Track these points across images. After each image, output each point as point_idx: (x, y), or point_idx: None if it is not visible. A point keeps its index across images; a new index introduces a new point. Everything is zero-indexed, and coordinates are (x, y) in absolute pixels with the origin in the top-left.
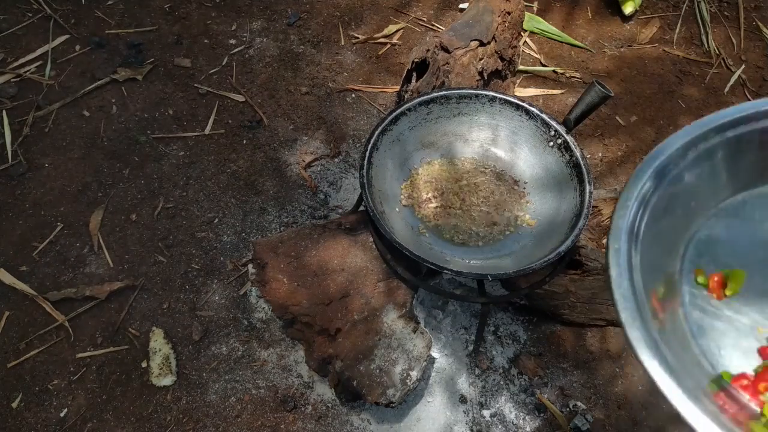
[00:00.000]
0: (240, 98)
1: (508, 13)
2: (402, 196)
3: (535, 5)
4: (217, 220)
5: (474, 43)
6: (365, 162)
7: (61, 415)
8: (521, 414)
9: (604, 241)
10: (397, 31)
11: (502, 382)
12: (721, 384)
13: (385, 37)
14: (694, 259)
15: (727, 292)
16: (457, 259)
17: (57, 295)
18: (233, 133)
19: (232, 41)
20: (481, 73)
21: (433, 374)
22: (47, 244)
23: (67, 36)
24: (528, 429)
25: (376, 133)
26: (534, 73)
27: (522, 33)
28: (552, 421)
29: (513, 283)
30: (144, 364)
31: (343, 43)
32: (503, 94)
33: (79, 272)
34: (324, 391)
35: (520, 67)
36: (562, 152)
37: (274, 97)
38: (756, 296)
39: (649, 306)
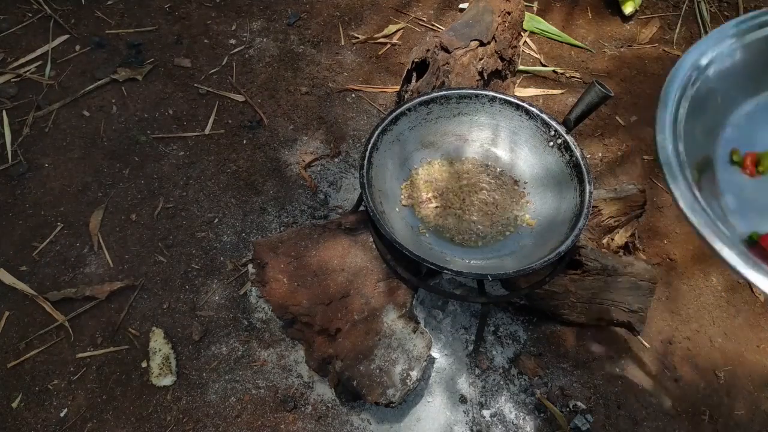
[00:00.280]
0: (240, 98)
1: (508, 13)
2: (402, 196)
3: (535, 5)
4: (217, 220)
5: (474, 43)
6: (365, 162)
7: (61, 415)
8: (521, 414)
9: (605, 241)
10: (397, 31)
11: (502, 382)
12: (751, 242)
13: (385, 37)
14: (731, 141)
15: (760, 169)
16: (457, 259)
17: (57, 295)
18: (233, 133)
19: (232, 41)
20: (481, 73)
21: (433, 374)
22: (47, 244)
23: (67, 36)
24: (528, 429)
25: (376, 133)
26: (534, 73)
27: (522, 33)
28: (552, 421)
29: (513, 283)
30: (144, 364)
31: (343, 43)
32: (503, 94)
33: (79, 272)
34: (324, 391)
35: (520, 67)
36: (562, 152)
37: (274, 97)
38: None
39: (690, 173)
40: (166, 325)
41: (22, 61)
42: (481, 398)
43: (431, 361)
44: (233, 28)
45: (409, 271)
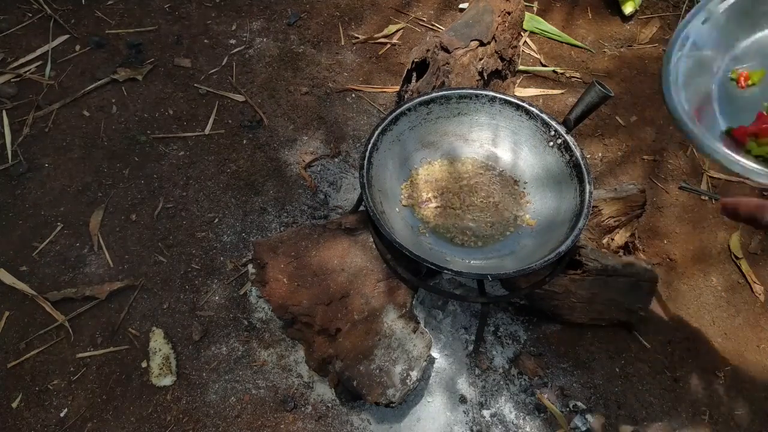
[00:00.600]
0: (240, 98)
1: (508, 13)
2: (402, 196)
3: (535, 5)
4: (217, 220)
5: (474, 43)
6: (365, 162)
7: (61, 415)
8: (521, 414)
9: (605, 241)
10: (397, 31)
11: (502, 382)
12: (727, 133)
13: (385, 37)
14: (732, 65)
15: (749, 82)
16: (457, 259)
17: (57, 295)
18: (233, 133)
19: (232, 41)
20: (481, 73)
21: (433, 374)
22: (47, 244)
23: (67, 36)
24: (528, 429)
25: (376, 133)
26: (534, 73)
27: (522, 33)
28: (552, 421)
29: (513, 283)
30: (144, 364)
31: (343, 43)
32: (503, 94)
33: (79, 272)
34: (324, 391)
35: (520, 67)
36: (562, 152)
37: (274, 97)
38: None
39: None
40: (166, 325)
41: (22, 61)
42: (481, 398)
43: (431, 361)
44: (233, 28)
45: (409, 271)
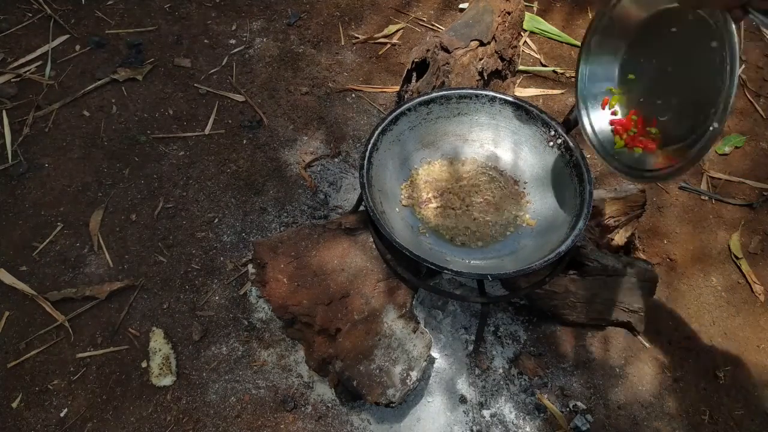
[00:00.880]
0: (240, 98)
1: (508, 13)
2: (402, 196)
3: (535, 5)
4: (217, 220)
5: (474, 43)
6: (365, 162)
7: (61, 415)
8: (521, 414)
9: (605, 241)
10: (397, 31)
11: (502, 383)
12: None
13: (385, 37)
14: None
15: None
16: (457, 259)
17: (57, 295)
18: (233, 133)
19: (232, 41)
20: (481, 73)
21: (433, 374)
22: (47, 244)
23: (67, 36)
24: (528, 429)
25: (376, 133)
26: (534, 73)
27: (522, 33)
28: (552, 421)
29: (513, 283)
30: (144, 364)
31: (343, 43)
32: (503, 94)
33: (79, 272)
34: (324, 391)
35: (520, 67)
36: (562, 152)
37: (274, 97)
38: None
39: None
40: (166, 325)
41: (22, 61)
42: (481, 398)
43: (431, 361)
44: (233, 28)
45: (409, 271)
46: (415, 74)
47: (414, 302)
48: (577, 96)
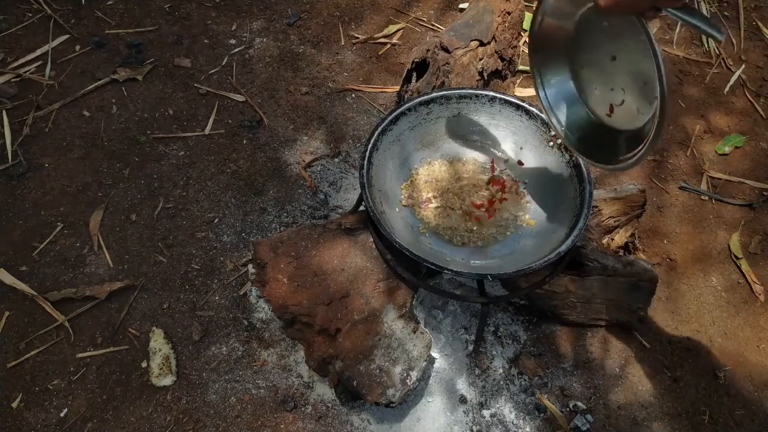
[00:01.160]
0: (240, 98)
1: (508, 13)
2: (402, 196)
3: (535, 5)
4: (217, 220)
5: (474, 43)
6: (365, 162)
7: (61, 415)
8: (521, 414)
9: (605, 241)
10: (397, 31)
11: (502, 383)
12: None
13: (385, 37)
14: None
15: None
16: (457, 259)
17: (57, 295)
18: (233, 133)
19: (232, 41)
20: (481, 73)
21: (433, 374)
22: (47, 244)
23: (67, 36)
24: (528, 429)
25: (376, 133)
26: None
27: (522, 33)
28: (552, 421)
29: (513, 283)
30: (144, 364)
31: (343, 43)
32: (503, 94)
33: (79, 272)
34: (324, 391)
35: (520, 67)
36: (562, 152)
37: (274, 97)
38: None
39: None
40: (166, 325)
41: (22, 61)
42: (481, 398)
43: (431, 361)
44: (233, 28)
45: (409, 271)
46: (415, 74)
47: (414, 302)
48: (541, 102)
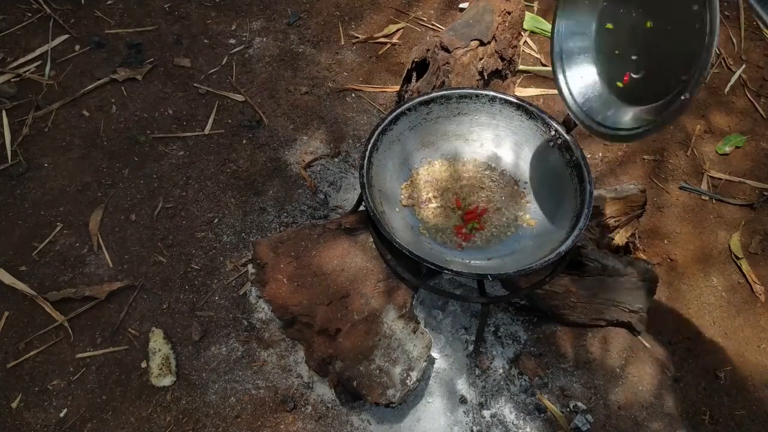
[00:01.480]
0: (240, 98)
1: (509, 13)
2: (402, 196)
3: (536, 5)
4: (216, 220)
5: (474, 43)
6: (365, 162)
7: (61, 415)
8: (521, 414)
9: (605, 241)
10: (397, 30)
11: (502, 383)
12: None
13: (385, 36)
14: None
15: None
16: (457, 259)
17: (57, 295)
18: (233, 133)
19: (232, 41)
20: (481, 73)
21: (433, 374)
22: (47, 244)
23: (66, 36)
24: (528, 429)
25: (376, 133)
26: (534, 73)
27: (522, 33)
28: (552, 422)
29: (513, 284)
30: (144, 365)
31: (343, 43)
32: (503, 93)
33: (79, 272)
34: (324, 391)
35: (521, 67)
36: (562, 152)
37: (273, 96)
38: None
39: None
40: (166, 325)
41: (21, 60)
42: (481, 398)
43: (431, 361)
44: (233, 27)
45: (409, 271)
46: (415, 74)
47: (414, 302)
48: (552, 55)
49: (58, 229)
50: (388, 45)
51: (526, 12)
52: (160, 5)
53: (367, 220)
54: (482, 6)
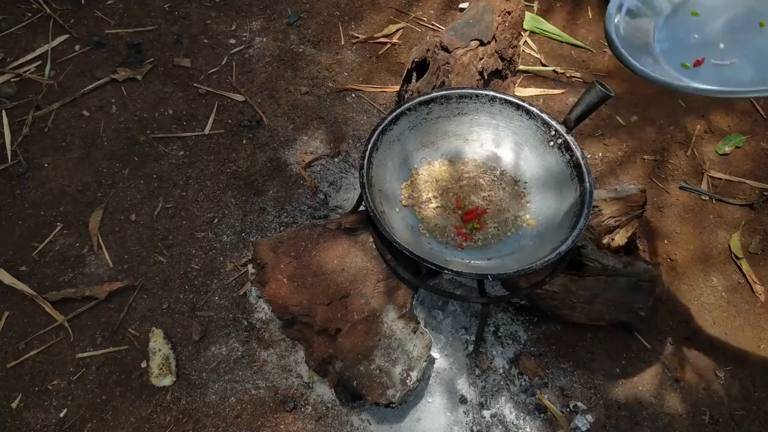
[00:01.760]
0: (240, 98)
1: (509, 13)
2: (402, 196)
3: (536, 5)
4: (216, 220)
5: (474, 43)
6: (365, 162)
7: (61, 415)
8: (521, 414)
9: (605, 241)
10: (397, 30)
11: (502, 383)
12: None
13: (385, 36)
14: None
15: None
16: (457, 260)
17: (57, 295)
18: (233, 133)
19: (232, 41)
20: (481, 73)
21: (433, 374)
22: (47, 244)
23: (66, 36)
24: (528, 429)
25: (376, 133)
26: (534, 73)
27: (522, 33)
28: (552, 422)
29: (513, 283)
30: (144, 365)
31: (343, 43)
32: (503, 93)
33: (79, 272)
34: (324, 391)
35: (521, 67)
36: (562, 152)
37: (273, 96)
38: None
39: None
40: (166, 325)
41: (21, 60)
42: (481, 398)
43: (431, 361)
44: (233, 27)
45: (409, 271)
46: (415, 74)
47: (414, 302)
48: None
49: (58, 229)
50: (388, 45)
51: (526, 12)
52: (160, 5)
53: (367, 220)
54: (482, 6)
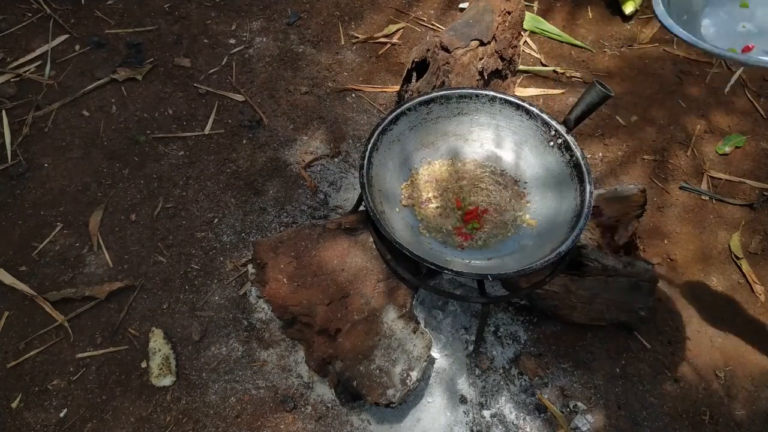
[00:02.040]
0: (240, 98)
1: (509, 13)
2: (402, 196)
3: (536, 5)
4: (216, 220)
5: (474, 43)
6: (365, 162)
7: (61, 415)
8: (521, 414)
9: (605, 241)
10: (397, 30)
11: (502, 383)
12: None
13: (386, 36)
14: None
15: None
16: (457, 259)
17: (57, 295)
18: (233, 133)
19: (232, 41)
20: (481, 73)
21: (433, 374)
22: (47, 244)
23: (66, 36)
24: (528, 429)
25: (376, 133)
26: (534, 73)
27: (522, 33)
28: (552, 422)
29: (513, 283)
30: (144, 365)
31: (343, 43)
32: (503, 93)
33: (79, 272)
34: (324, 391)
35: (521, 67)
36: (562, 152)
37: (273, 96)
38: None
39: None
40: (166, 325)
41: (21, 60)
42: (481, 398)
43: (431, 361)
44: (233, 27)
45: (409, 271)
46: (415, 74)
47: (414, 302)
48: None
49: (58, 229)
50: (388, 45)
51: (526, 12)
52: (160, 5)
53: (367, 220)
54: (482, 6)
